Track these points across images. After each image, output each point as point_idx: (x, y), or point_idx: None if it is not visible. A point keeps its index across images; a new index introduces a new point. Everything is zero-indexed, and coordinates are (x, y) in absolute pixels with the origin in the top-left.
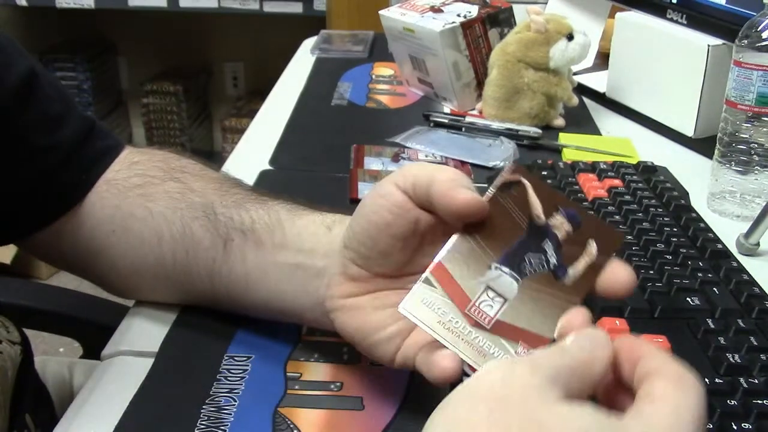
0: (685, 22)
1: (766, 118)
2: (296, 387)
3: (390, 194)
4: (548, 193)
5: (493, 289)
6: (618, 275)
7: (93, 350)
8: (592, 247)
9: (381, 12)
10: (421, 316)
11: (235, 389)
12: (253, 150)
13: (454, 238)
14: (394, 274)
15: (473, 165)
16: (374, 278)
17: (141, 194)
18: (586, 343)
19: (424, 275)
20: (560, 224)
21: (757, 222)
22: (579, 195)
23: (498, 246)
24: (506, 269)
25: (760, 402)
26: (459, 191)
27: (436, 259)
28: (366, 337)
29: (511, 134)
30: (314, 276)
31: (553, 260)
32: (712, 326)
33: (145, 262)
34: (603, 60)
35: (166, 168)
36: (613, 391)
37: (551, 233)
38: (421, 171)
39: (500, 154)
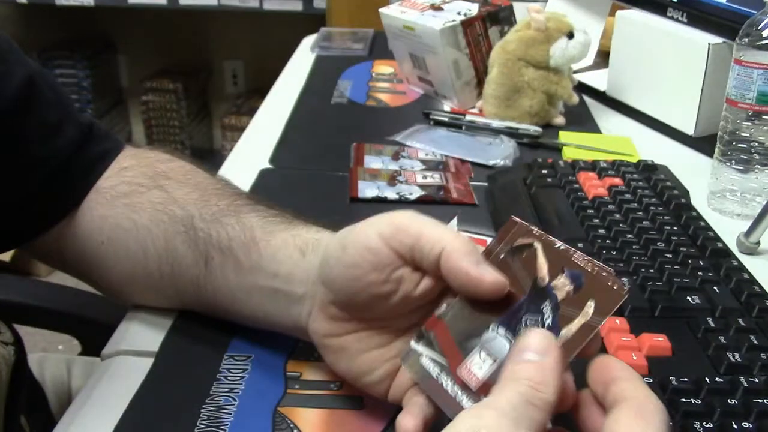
0: (685, 21)
1: (766, 117)
2: (296, 386)
3: (378, 251)
4: (557, 253)
5: (486, 350)
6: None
7: (92, 348)
8: (589, 308)
9: (381, 10)
10: (417, 373)
11: (235, 389)
12: (253, 148)
13: (457, 299)
14: (375, 319)
15: (473, 163)
16: (354, 320)
17: (127, 204)
18: (532, 356)
19: (423, 331)
20: (562, 285)
21: (757, 221)
22: (579, 194)
23: (499, 306)
24: (502, 331)
25: (760, 401)
26: (485, 272)
27: (438, 315)
28: (356, 379)
29: (511, 133)
30: (294, 302)
31: (548, 322)
32: (713, 325)
33: (134, 273)
34: (603, 58)
35: (152, 174)
36: (590, 408)
37: (552, 294)
38: (427, 233)
39: (500, 153)
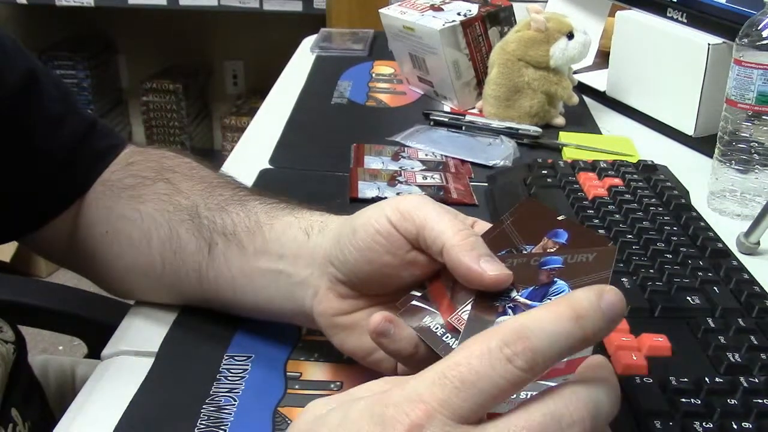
0: (685, 21)
1: (766, 117)
2: (296, 387)
3: (389, 235)
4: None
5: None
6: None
7: (95, 349)
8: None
9: (381, 10)
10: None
11: (235, 389)
12: (253, 149)
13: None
14: (386, 295)
15: (473, 164)
16: (364, 297)
17: (132, 195)
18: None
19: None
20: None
21: (757, 221)
22: (579, 194)
23: None
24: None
25: (760, 401)
26: (487, 267)
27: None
28: (365, 356)
29: (511, 133)
30: (298, 284)
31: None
32: (713, 325)
33: (136, 263)
34: (603, 58)
35: (158, 168)
36: None
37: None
38: (429, 226)
39: (500, 153)
